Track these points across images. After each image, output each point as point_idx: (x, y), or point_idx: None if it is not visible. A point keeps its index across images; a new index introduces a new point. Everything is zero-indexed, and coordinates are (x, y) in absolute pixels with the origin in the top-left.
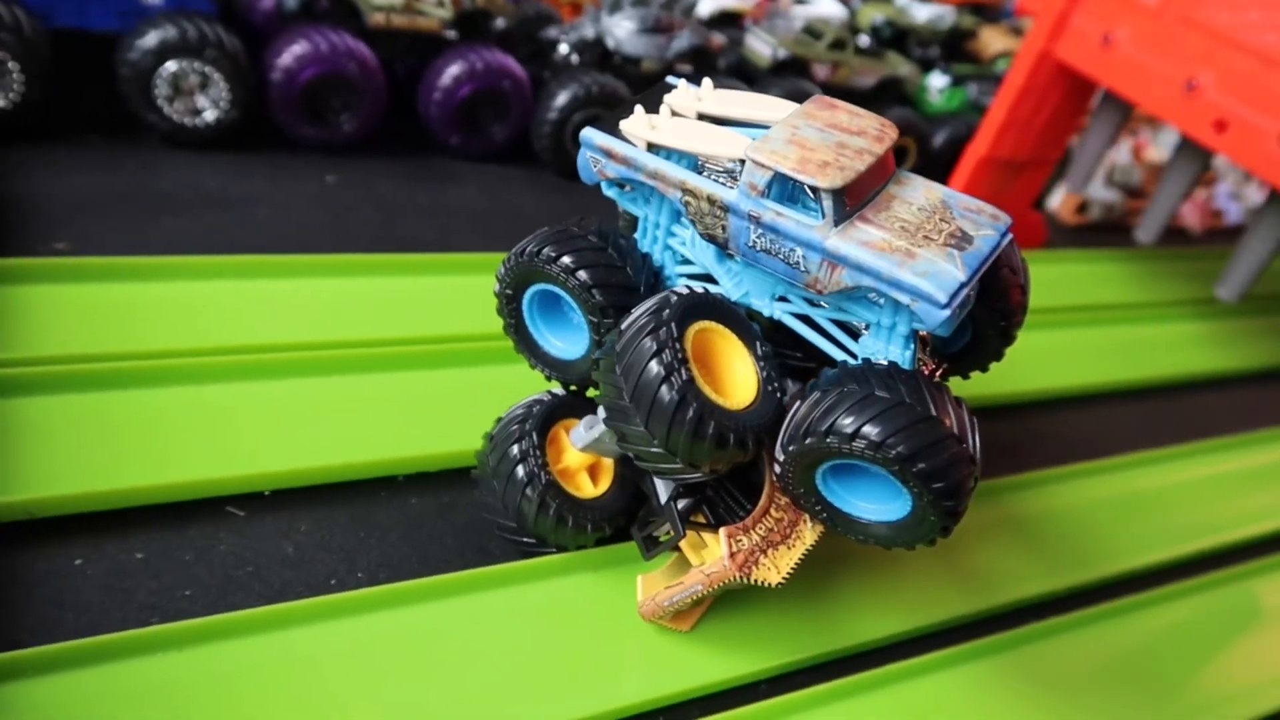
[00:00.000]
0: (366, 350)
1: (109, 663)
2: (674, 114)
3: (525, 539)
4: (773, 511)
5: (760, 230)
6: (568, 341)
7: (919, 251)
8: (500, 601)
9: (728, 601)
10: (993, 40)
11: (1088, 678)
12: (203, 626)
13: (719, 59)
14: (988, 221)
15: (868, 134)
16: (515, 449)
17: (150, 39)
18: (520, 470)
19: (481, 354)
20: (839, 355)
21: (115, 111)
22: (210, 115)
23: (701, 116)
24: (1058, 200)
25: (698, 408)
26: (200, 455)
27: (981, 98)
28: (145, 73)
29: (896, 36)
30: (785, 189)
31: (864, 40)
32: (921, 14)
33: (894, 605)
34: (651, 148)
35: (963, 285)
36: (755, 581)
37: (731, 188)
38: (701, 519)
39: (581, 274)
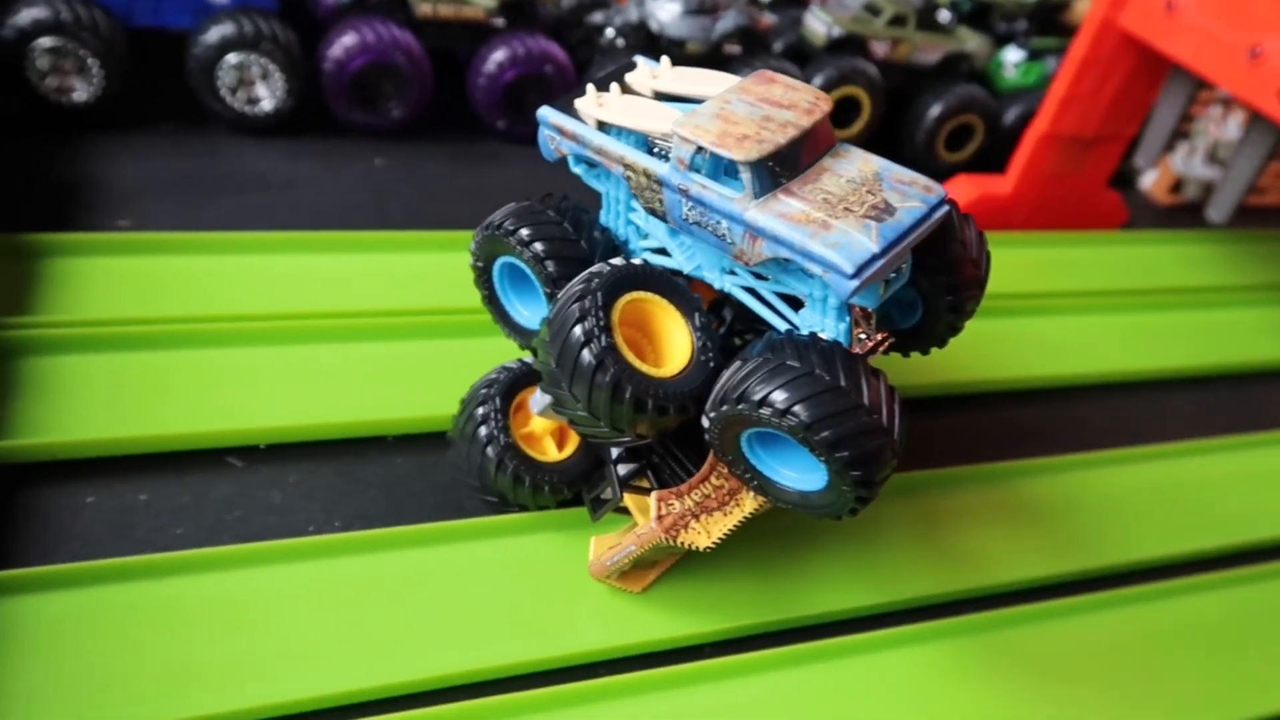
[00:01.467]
0: (376, 319)
1: (100, 585)
2: (626, 91)
3: (490, 497)
4: (713, 479)
5: (690, 203)
6: (534, 311)
7: (834, 223)
8: (464, 554)
9: (687, 566)
10: (1087, 9)
11: (1075, 665)
12: (183, 559)
13: (772, 39)
14: (917, 193)
15: (798, 107)
16: (480, 411)
17: (213, 34)
18: (482, 431)
19: (486, 325)
20: (783, 326)
21: (187, 102)
22: (268, 104)
23: (658, 95)
24: (1151, 179)
25: (615, 372)
26: (207, 410)
27: None
28: (209, 65)
29: (979, 10)
30: (717, 163)
31: (944, 16)
32: None
33: (863, 580)
34: (601, 126)
35: (874, 256)
36: (683, 544)
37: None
38: (645, 483)
39: (536, 246)
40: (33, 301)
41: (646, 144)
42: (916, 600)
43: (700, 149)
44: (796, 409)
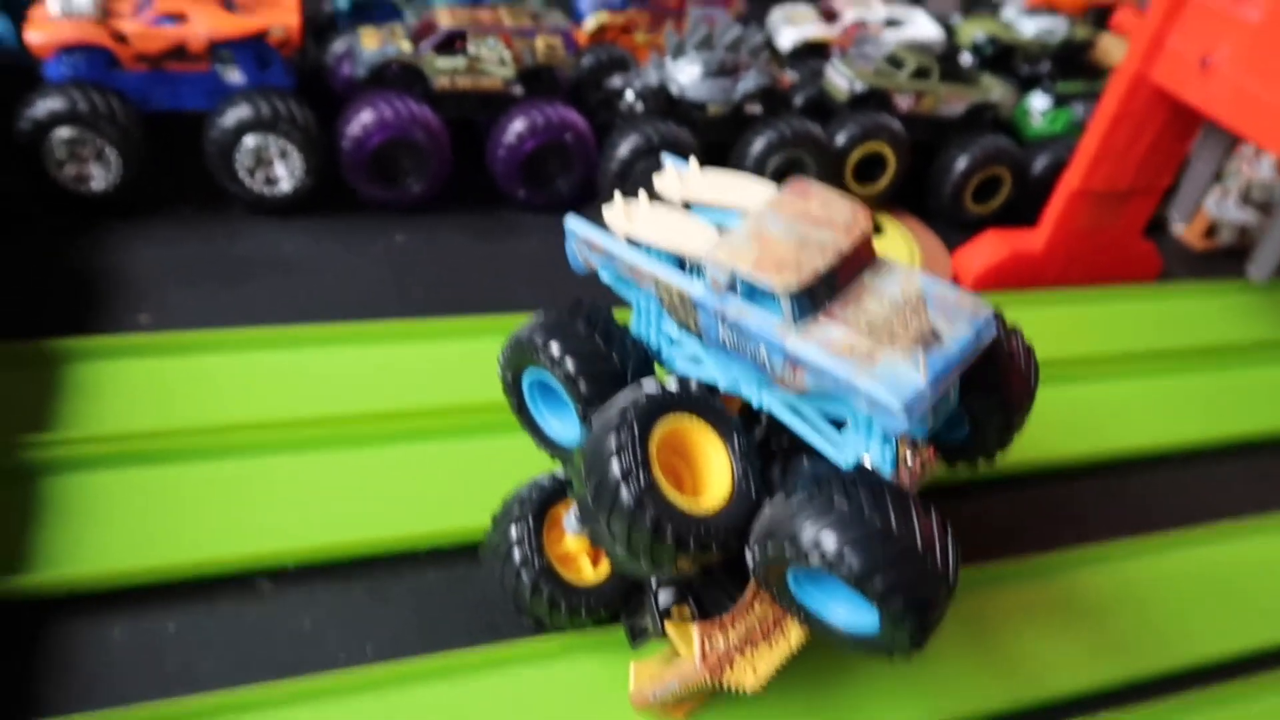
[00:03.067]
0: (403, 422)
1: None
2: (654, 199)
3: (526, 620)
4: (757, 607)
5: (727, 326)
6: (565, 423)
7: (880, 353)
8: (502, 681)
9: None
10: (1113, 50)
11: None
12: (214, 703)
13: (793, 95)
14: (965, 316)
15: (836, 225)
16: (513, 531)
17: (230, 117)
18: (516, 553)
19: (512, 423)
20: (825, 447)
21: (205, 183)
22: (287, 184)
23: (686, 202)
24: (1182, 225)
25: (655, 512)
26: (234, 530)
27: (1090, 119)
28: (227, 148)
29: (1001, 54)
30: (752, 286)
31: (965, 59)
32: (1029, 28)
33: (914, 692)
34: (631, 239)
35: (924, 391)
36: (728, 685)
37: (701, 282)
38: (688, 611)
39: (568, 364)
40: (51, 415)
41: (678, 259)
42: (970, 715)
43: (737, 275)
44: (847, 556)
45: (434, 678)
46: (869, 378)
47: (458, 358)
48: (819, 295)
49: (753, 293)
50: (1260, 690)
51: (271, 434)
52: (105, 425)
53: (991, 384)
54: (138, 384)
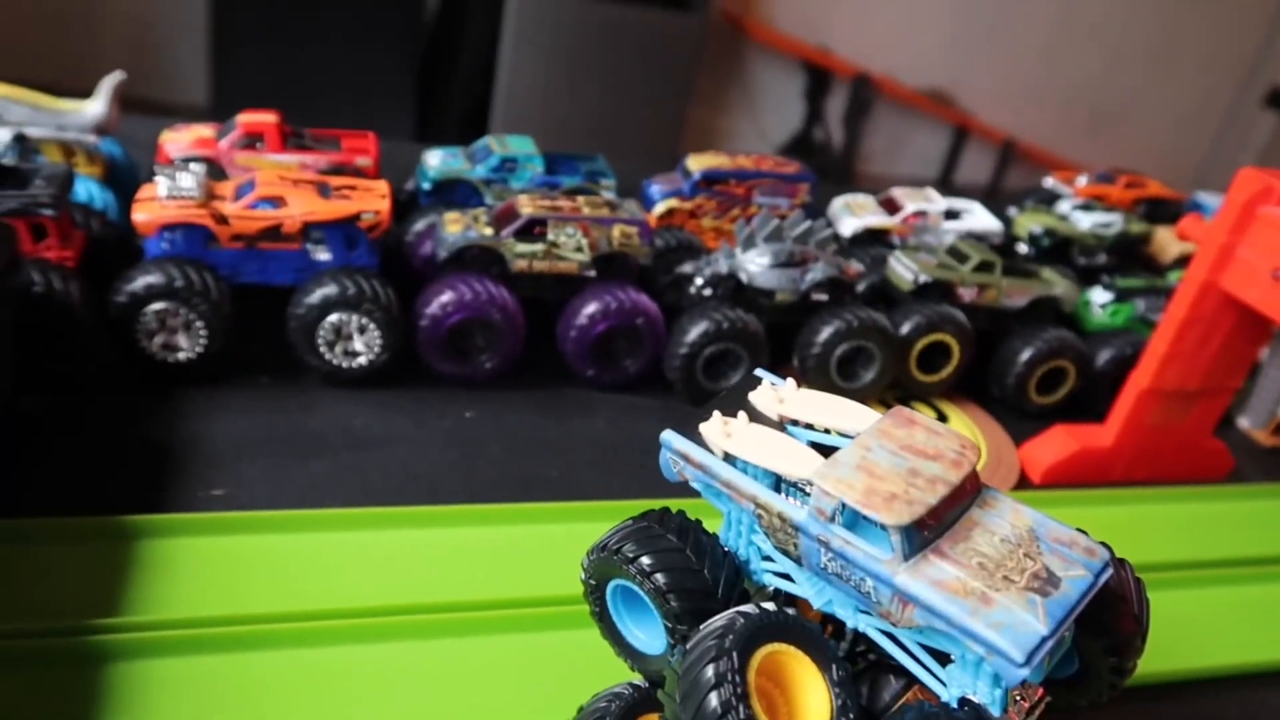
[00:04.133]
0: (470, 614)
1: None
2: (751, 414)
3: None
4: None
5: (830, 554)
6: (650, 634)
7: (996, 597)
8: None
9: None
10: (1170, 244)
11: None
12: None
13: (857, 284)
14: (1080, 558)
15: (944, 458)
16: None
17: (317, 296)
18: None
19: (583, 618)
20: (926, 678)
21: (283, 353)
22: (364, 359)
23: (783, 419)
24: (1249, 420)
25: None
26: None
27: (1149, 313)
28: (311, 323)
29: (1058, 246)
30: (858, 515)
31: (1022, 249)
32: (1085, 222)
33: None
34: (728, 456)
35: (1044, 639)
36: None
37: (804, 506)
38: None
39: (658, 578)
40: (119, 595)
41: (775, 479)
42: None
43: (845, 505)
44: None
45: None
46: (985, 623)
47: (528, 543)
48: (928, 529)
49: (858, 522)
50: None
51: (335, 624)
52: (172, 610)
53: (1103, 625)
54: (208, 563)
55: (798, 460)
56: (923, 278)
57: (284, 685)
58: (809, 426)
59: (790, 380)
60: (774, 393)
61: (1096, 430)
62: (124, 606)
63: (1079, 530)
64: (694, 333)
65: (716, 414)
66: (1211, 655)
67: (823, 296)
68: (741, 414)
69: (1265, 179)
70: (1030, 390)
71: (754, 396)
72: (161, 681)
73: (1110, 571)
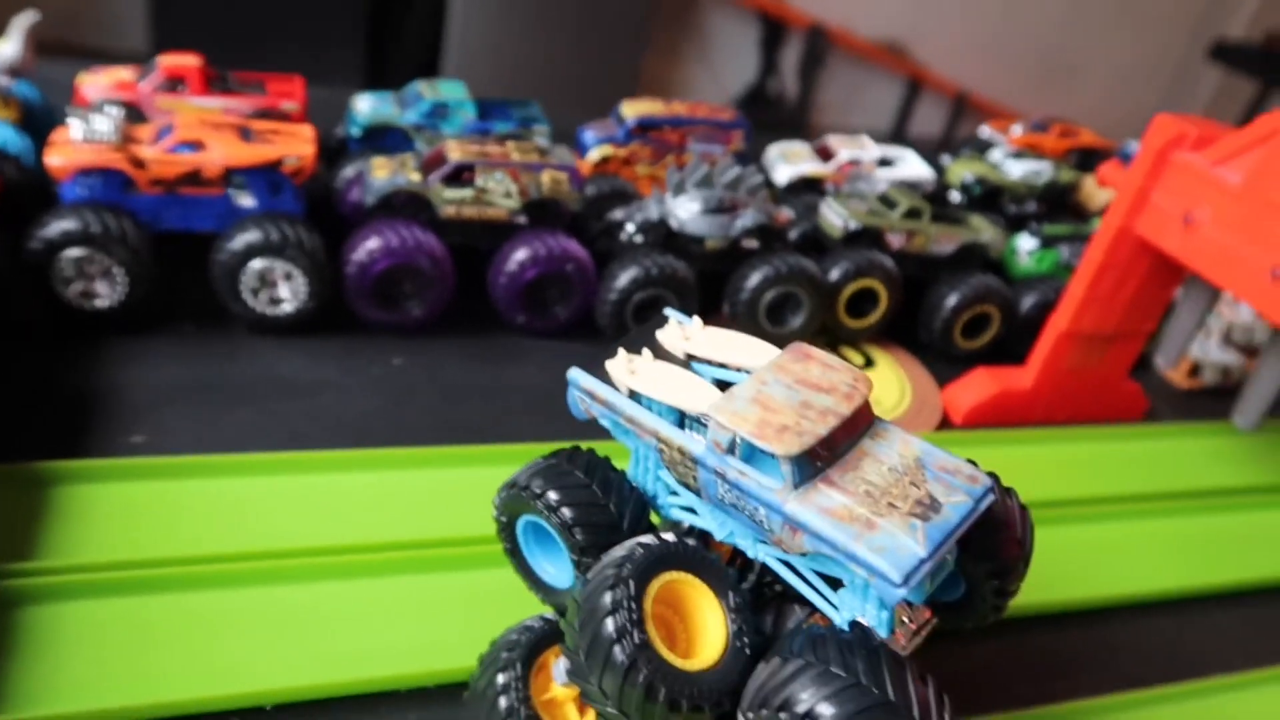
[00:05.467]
0: (393, 554)
1: None
2: (658, 352)
3: None
4: None
5: (726, 485)
6: (559, 569)
7: (880, 521)
8: None
9: None
10: (1097, 192)
11: None
12: None
13: (788, 231)
14: (962, 485)
15: (837, 392)
16: (500, 678)
17: (239, 241)
18: (503, 701)
19: (504, 558)
20: (821, 604)
21: (208, 301)
22: (289, 306)
23: (689, 356)
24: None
25: (649, 672)
26: (209, 668)
27: (1074, 259)
28: (234, 270)
29: (989, 194)
30: (753, 447)
31: (954, 197)
32: (1015, 170)
33: None
34: (633, 393)
35: (923, 561)
36: None
37: (703, 440)
38: None
39: (564, 512)
40: (34, 541)
41: (679, 414)
42: None
43: (738, 437)
44: None
45: None
46: (868, 547)
47: (454, 487)
48: (819, 460)
49: (753, 454)
50: None
51: (257, 565)
52: (88, 554)
53: (987, 549)
54: (126, 509)
55: (697, 395)
56: (852, 224)
57: (207, 626)
58: (715, 364)
59: (697, 318)
60: (680, 331)
61: (1017, 373)
62: (39, 551)
63: (968, 461)
64: (624, 279)
65: (622, 352)
66: (1116, 585)
67: (753, 243)
68: (647, 351)
69: (1180, 125)
70: (956, 335)
71: (661, 335)
72: (80, 625)
73: (993, 498)
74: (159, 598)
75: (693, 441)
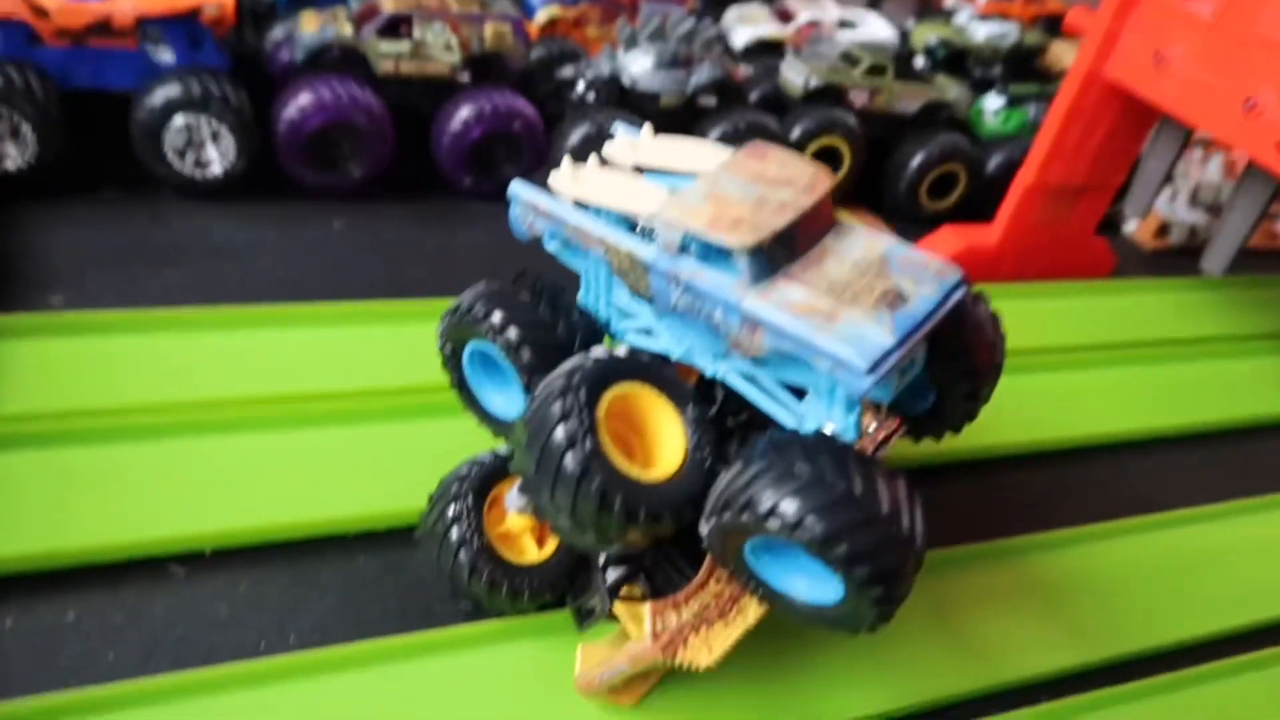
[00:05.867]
0: (335, 404)
1: None
2: (604, 165)
3: (464, 604)
4: (712, 584)
5: (680, 290)
6: (509, 399)
7: (843, 312)
8: (436, 670)
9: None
10: (1064, 55)
11: None
12: (112, 694)
13: (747, 90)
14: (930, 278)
15: (795, 185)
16: (450, 510)
17: (159, 96)
18: (454, 533)
19: (456, 406)
20: (785, 417)
21: (131, 166)
22: (218, 167)
23: (638, 167)
24: (1135, 224)
25: (602, 480)
26: (144, 513)
27: (1041, 118)
28: (155, 128)
29: (954, 57)
30: (709, 247)
31: (919, 62)
32: (980, 32)
33: (877, 680)
34: (579, 203)
35: (890, 350)
36: (682, 665)
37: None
38: (638, 589)
39: (510, 332)
40: None
41: (629, 223)
42: (932, 701)
43: (690, 233)
44: (808, 522)
45: (362, 664)
46: (831, 337)
47: (396, 341)
48: (778, 256)
49: (708, 254)
50: (1215, 674)
51: (187, 415)
52: (7, 405)
53: (958, 351)
54: (47, 365)
55: (647, 198)
56: (813, 81)
57: (143, 475)
58: (667, 173)
59: (647, 126)
60: (629, 141)
61: (984, 230)
62: None
63: (935, 256)
64: (575, 136)
65: (566, 161)
66: (1083, 426)
67: (710, 100)
68: (593, 159)
69: None
70: (922, 195)
71: (608, 148)
72: (7, 476)
73: (964, 290)
74: (83, 449)
75: (642, 245)
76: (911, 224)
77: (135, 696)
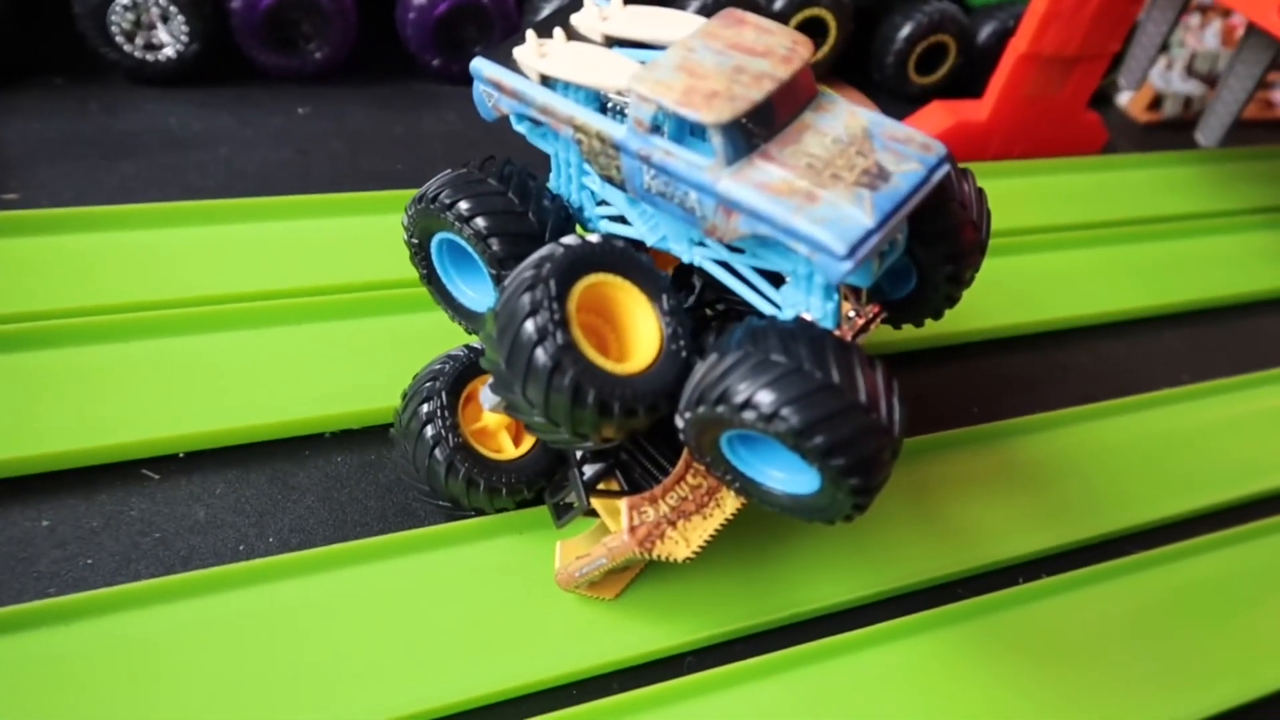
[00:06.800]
0: (305, 299)
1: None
2: (572, 37)
3: (442, 502)
4: (689, 478)
5: (652, 171)
6: (480, 291)
7: (822, 193)
8: (416, 568)
9: (663, 565)
10: None
11: (1080, 645)
12: (92, 600)
13: None
14: (914, 154)
15: (773, 55)
16: (424, 408)
17: None
18: (429, 431)
19: (428, 298)
20: (763, 305)
21: (79, 51)
22: (171, 50)
23: (609, 40)
24: (1127, 96)
25: (574, 373)
26: (115, 416)
27: None
28: (98, 9)
29: None
30: (683, 124)
31: None
32: None
33: (855, 565)
34: (546, 80)
35: (870, 232)
36: (659, 557)
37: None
38: (615, 485)
39: (477, 221)
40: None
41: (599, 100)
42: (911, 585)
43: (662, 109)
44: (785, 412)
45: (343, 565)
46: (808, 219)
47: (367, 233)
48: (755, 132)
49: (681, 131)
50: (1195, 550)
51: (153, 315)
52: None
53: (941, 231)
54: (5, 265)
55: (616, 71)
56: None
57: (110, 376)
58: (639, 45)
59: None
60: (598, 11)
61: (973, 105)
62: None
63: (919, 131)
64: (546, 9)
65: (531, 35)
66: (1067, 308)
67: None
68: (559, 32)
69: None
70: (910, 70)
71: (575, 19)
72: None
73: (947, 167)
74: (50, 351)
75: (612, 125)
76: (900, 101)
77: (115, 601)
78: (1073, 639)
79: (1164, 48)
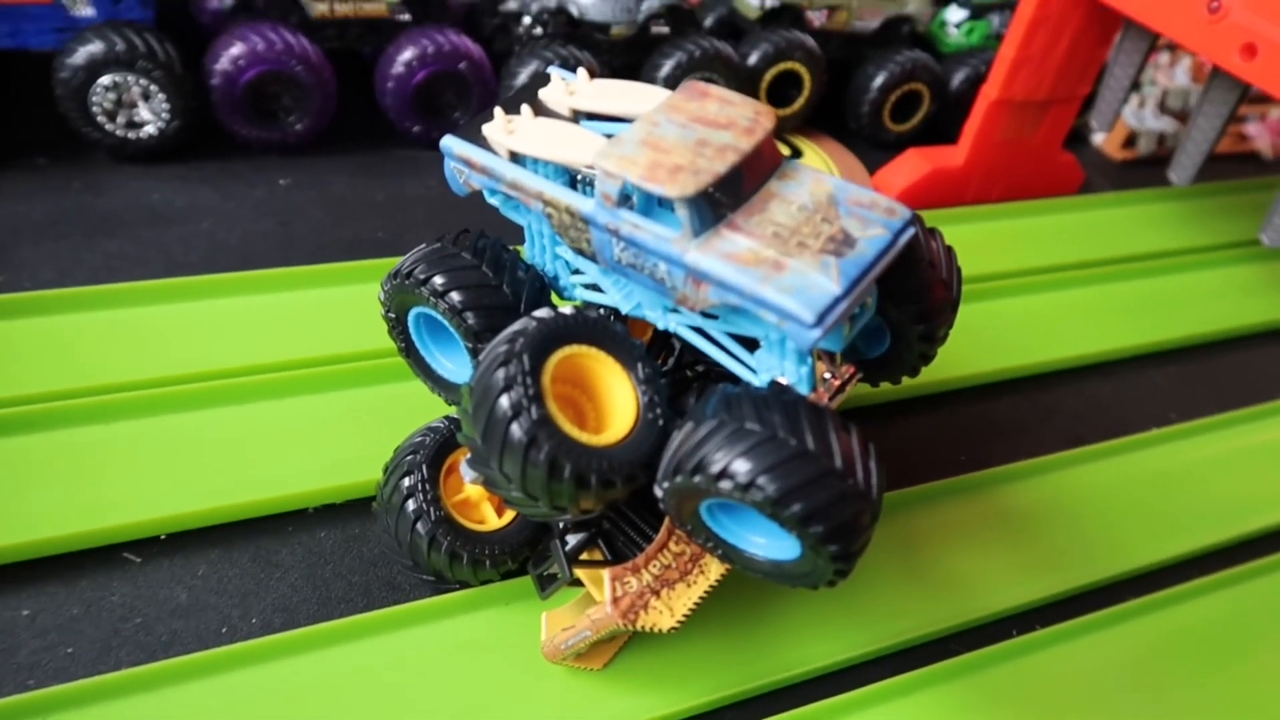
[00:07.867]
0: (286, 374)
1: None
2: (540, 113)
3: (426, 576)
4: (672, 545)
5: (622, 244)
6: (458, 363)
7: (788, 262)
8: (402, 644)
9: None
10: None
11: (1078, 695)
12: (72, 692)
13: (701, 15)
14: (880, 218)
15: (736, 127)
16: (406, 482)
17: (80, 55)
18: (410, 505)
19: (406, 368)
20: (739, 370)
21: (61, 131)
22: (152, 128)
23: (575, 113)
24: (1102, 135)
25: (550, 448)
26: (95, 501)
27: (1005, 28)
28: (80, 89)
29: None
30: (650, 197)
31: None
32: None
33: (846, 624)
34: (515, 156)
35: (837, 299)
36: (643, 628)
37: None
38: (598, 554)
39: (452, 296)
40: None
41: (569, 174)
42: (904, 642)
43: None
44: (761, 481)
45: (328, 644)
46: (776, 288)
47: (349, 303)
48: (720, 203)
49: (649, 204)
50: (1190, 594)
51: (133, 395)
52: None
53: (911, 291)
54: None
55: (583, 147)
56: (770, 1)
57: (91, 460)
58: (606, 118)
59: (583, 71)
60: (564, 86)
61: (949, 151)
62: None
63: (884, 196)
64: (524, 75)
65: (499, 112)
66: (1050, 351)
67: (663, 28)
68: (526, 109)
69: None
70: (885, 117)
71: (544, 93)
72: None
73: (913, 230)
74: (29, 436)
75: (580, 199)
76: (876, 148)
77: (94, 692)
78: (1070, 691)
79: (1135, 86)
